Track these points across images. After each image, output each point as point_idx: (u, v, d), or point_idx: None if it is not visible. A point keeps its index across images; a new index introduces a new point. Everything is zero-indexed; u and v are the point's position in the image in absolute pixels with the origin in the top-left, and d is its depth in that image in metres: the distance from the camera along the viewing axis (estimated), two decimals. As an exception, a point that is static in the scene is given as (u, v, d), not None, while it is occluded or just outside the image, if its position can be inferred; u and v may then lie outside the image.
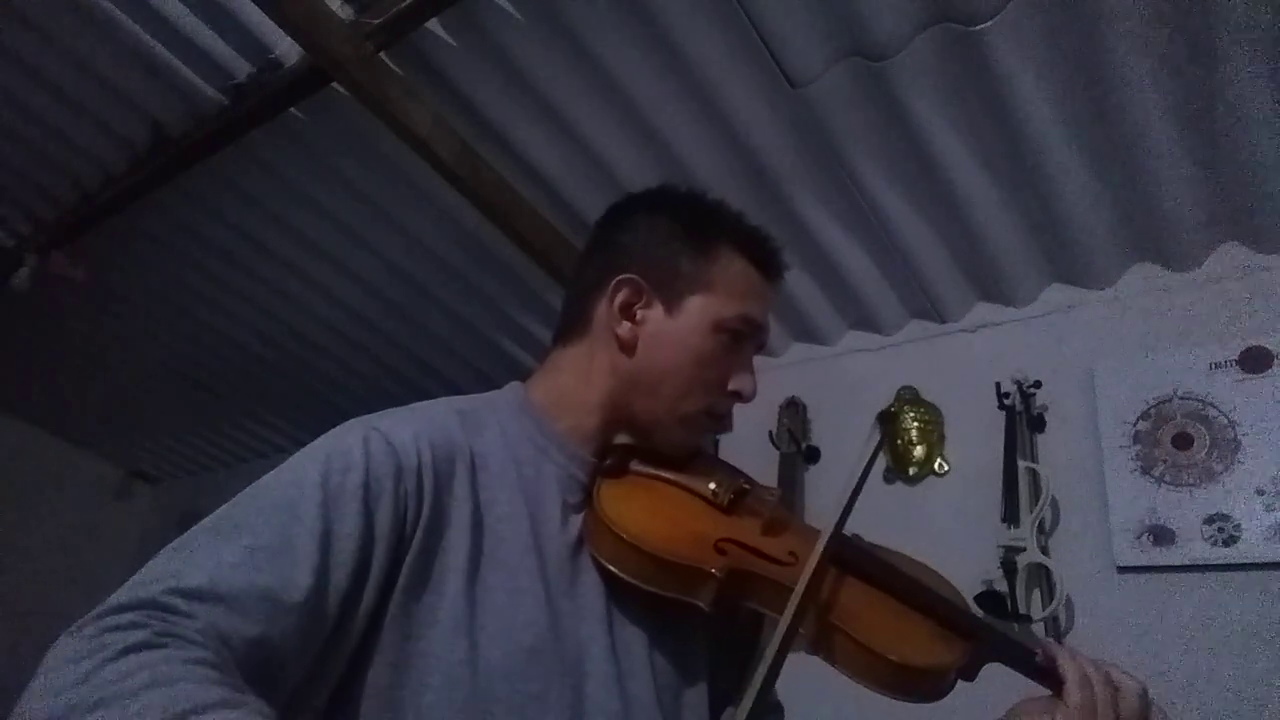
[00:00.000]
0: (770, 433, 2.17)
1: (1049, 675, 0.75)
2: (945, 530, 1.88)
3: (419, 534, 0.68)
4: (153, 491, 4.47)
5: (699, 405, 0.84)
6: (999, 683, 0.77)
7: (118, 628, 0.52)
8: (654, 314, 0.83)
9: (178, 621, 0.54)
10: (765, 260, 0.87)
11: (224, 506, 0.65)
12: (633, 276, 0.83)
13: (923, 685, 0.73)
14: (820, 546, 0.72)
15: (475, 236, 2.23)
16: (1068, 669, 0.73)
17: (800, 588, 0.69)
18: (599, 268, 0.86)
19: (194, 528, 0.62)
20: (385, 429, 0.71)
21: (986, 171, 1.71)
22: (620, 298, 0.83)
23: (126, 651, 0.50)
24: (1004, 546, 1.72)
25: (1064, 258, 1.86)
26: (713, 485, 0.83)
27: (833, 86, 1.62)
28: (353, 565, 0.64)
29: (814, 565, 0.71)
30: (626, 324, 0.83)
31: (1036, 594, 1.70)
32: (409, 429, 0.72)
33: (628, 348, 0.83)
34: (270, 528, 0.62)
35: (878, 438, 0.84)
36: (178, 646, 0.52)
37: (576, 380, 0.85)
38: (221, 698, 0.49)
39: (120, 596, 0.55)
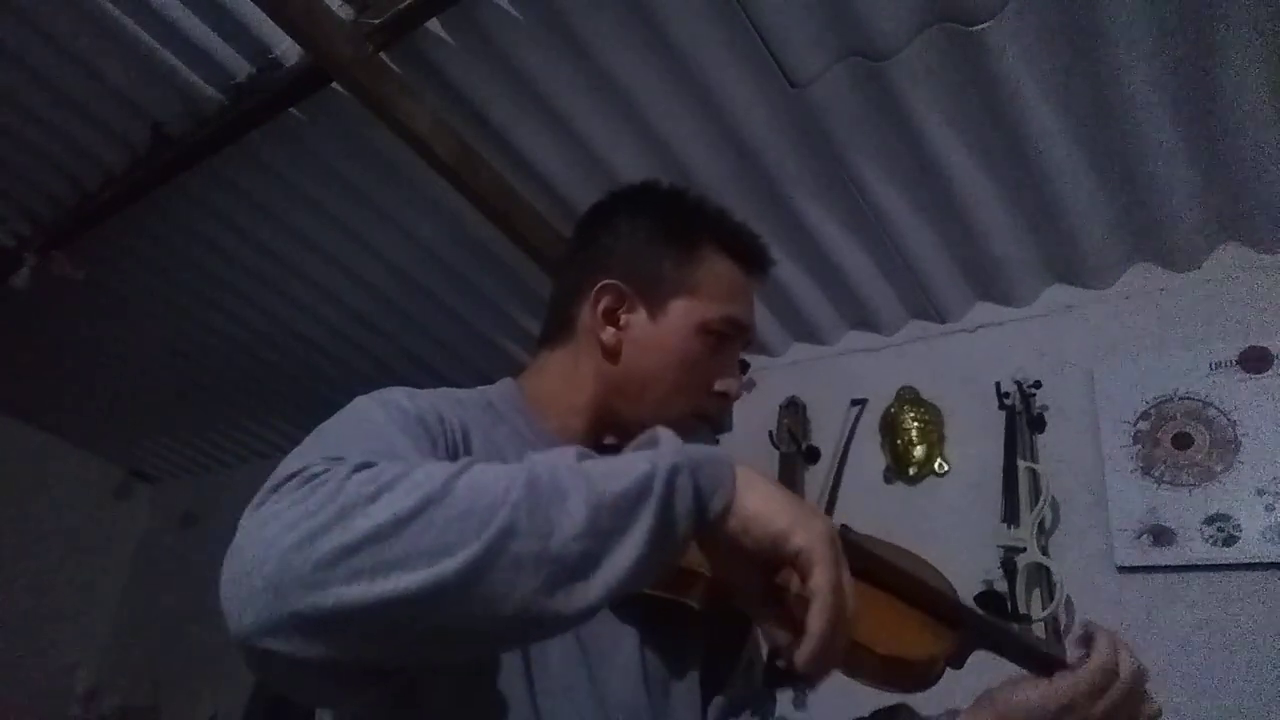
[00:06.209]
0: (770, 433, 2.17)
1: (1038, 662, 0.75)
2: (945, 530, 1.88)
3: None
4: (153, 491, 4.47)
5: (685, 408, 0.84)
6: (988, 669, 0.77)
7: (318, 473, 0.51)
8: (637, 319, 0.83)
9: (366, 461, 0.52)
10: (749, 258, 0.87)
11: (299, 448, 0.61)
12: (615, 282, 0.83)
13: (911, 676, 0.73)
14: None
15: (475, 236, 2.23)
16: (1098, 651, 0.74)
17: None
18: (581, 271, 0.86)
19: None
20: (413, 392, 0.72)
21: (986, 171, 1.71)
22: (603, 303, 0.83)
23: (354, 470, 0.50)
24: (1004, 546, 1.72)
25: (1064, 258, 1.86)
26: None
27: (833, 86, 1.62)
28: None
29: None
30: (610, 329, 0.83)
31: (1036, 594, 1.70)
32: (429, 400, 0.72)
33: (612, 354, 0.83)
34: (373, 444, 0.61)
35: (852, 422, 0.84)
36: (391, 462, 0.52)
37: (563, 384, 0.85)
38: (464, 461, 0.52)
39: (284, 470, 0.53)
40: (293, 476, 0.52)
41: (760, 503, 0.58)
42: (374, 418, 0.66)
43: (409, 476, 0.49)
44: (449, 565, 0.46)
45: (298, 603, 0.45)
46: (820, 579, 0.55)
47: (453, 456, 0.69)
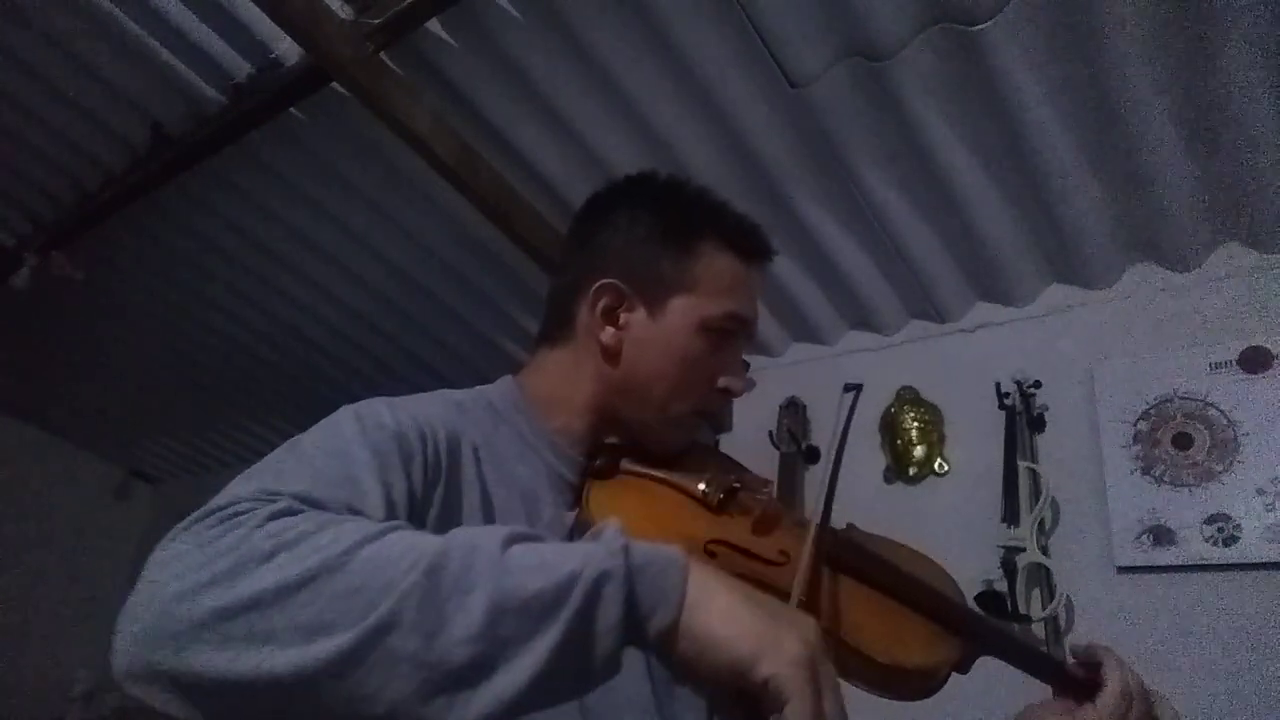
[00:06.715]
0: (770, 433, 2.17)
1: (1045, 669, 0.75)
2: (945, 530, 1.87)
3: (435, 508, 0.67)
4: (153, 491, 4.47)
5: (687, 406, 0.83)
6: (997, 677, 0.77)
7: (239, 513, 0.50)
8: (637, 318, 0.82)
9: (293, 505, 0.52)
10: (749, 249, 0.85)
11: (264, 459, 0.62)
12: (614, 281, 0.82)
13: (914, 685, 0.72)
14: (806, 552, 0.70)
15: (475, 236, 2.23)
16: (1111, 677, 0.74)
17: (794, 599, 0.67)
18: (580, 269, 0.85)
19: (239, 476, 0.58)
20: (399, 404, 0.70)
21: (986, 171, 1.71)
22: (602, 303, 0.82)
23: (270, 518, 0.49)
24: (1004, 546, 1.72)
25: (1064, 258, 1.86)
26: (703, 485, 0.80)
27: (833, 86, 1.62)
28: (404, 514, 0.62)
29: (805, 574, 0.68)
30: (610, 329, 0.81)
31: (1036, 594, 1.70)
32: (416, 410, 0.71)
33: (612, 355, 0.81)
34: (329, 466, 0.60)
35: (847, 408, 0.81)
36: (316, 511, 0.51)
37: (563, 383, 0.84)
38: (386, 525, 0.50)
39: (215, 502, 0.52)
40: (216, 511, 0.51)
41: (717, 623, 0.49)
42: (347, 434, 0.64)
43: (315, 537, 0.48)
44: (319, 649, 0.44)
45: (165, 659, 0.45)
46: (795, 714, 0.48)
47: (433, 474, 0.68)
